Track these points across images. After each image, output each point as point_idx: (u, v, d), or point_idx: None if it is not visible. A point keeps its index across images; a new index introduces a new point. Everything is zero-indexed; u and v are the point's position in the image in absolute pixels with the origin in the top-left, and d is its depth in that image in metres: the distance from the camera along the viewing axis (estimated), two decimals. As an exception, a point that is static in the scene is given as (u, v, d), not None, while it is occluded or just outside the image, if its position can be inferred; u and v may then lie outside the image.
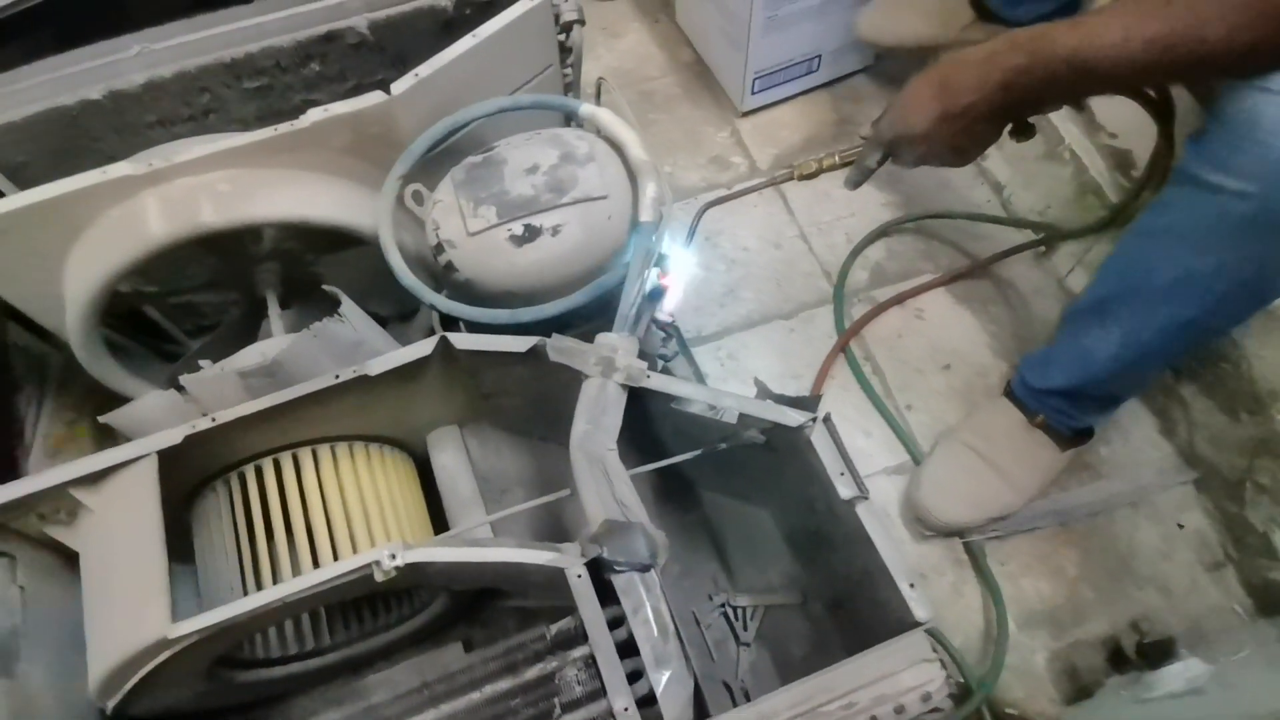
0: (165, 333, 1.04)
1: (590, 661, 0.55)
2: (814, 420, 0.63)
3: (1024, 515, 0.97)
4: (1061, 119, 1.13)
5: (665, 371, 0.92)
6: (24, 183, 0.80)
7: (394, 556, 0.58)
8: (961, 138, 0.73)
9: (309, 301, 0.96)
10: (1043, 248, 1.17)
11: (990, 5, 1.12)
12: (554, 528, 0.82)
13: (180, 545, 0.76)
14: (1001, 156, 1.24)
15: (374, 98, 0.76)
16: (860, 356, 1.12)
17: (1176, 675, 0.78)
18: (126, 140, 0.84)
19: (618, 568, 0.57)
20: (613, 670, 0.54)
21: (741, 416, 0.66)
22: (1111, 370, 0.86)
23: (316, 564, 0.68)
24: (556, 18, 0.87)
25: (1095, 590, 0.96)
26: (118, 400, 0.86)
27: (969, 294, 1.16)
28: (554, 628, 0.57)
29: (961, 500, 0.95)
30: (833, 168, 0.83)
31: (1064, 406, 0.93)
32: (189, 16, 0.83)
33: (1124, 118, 1.06)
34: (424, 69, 0.78)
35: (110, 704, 0.64)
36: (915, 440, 1.05)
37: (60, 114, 0.79)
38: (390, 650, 0.84)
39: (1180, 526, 1.00)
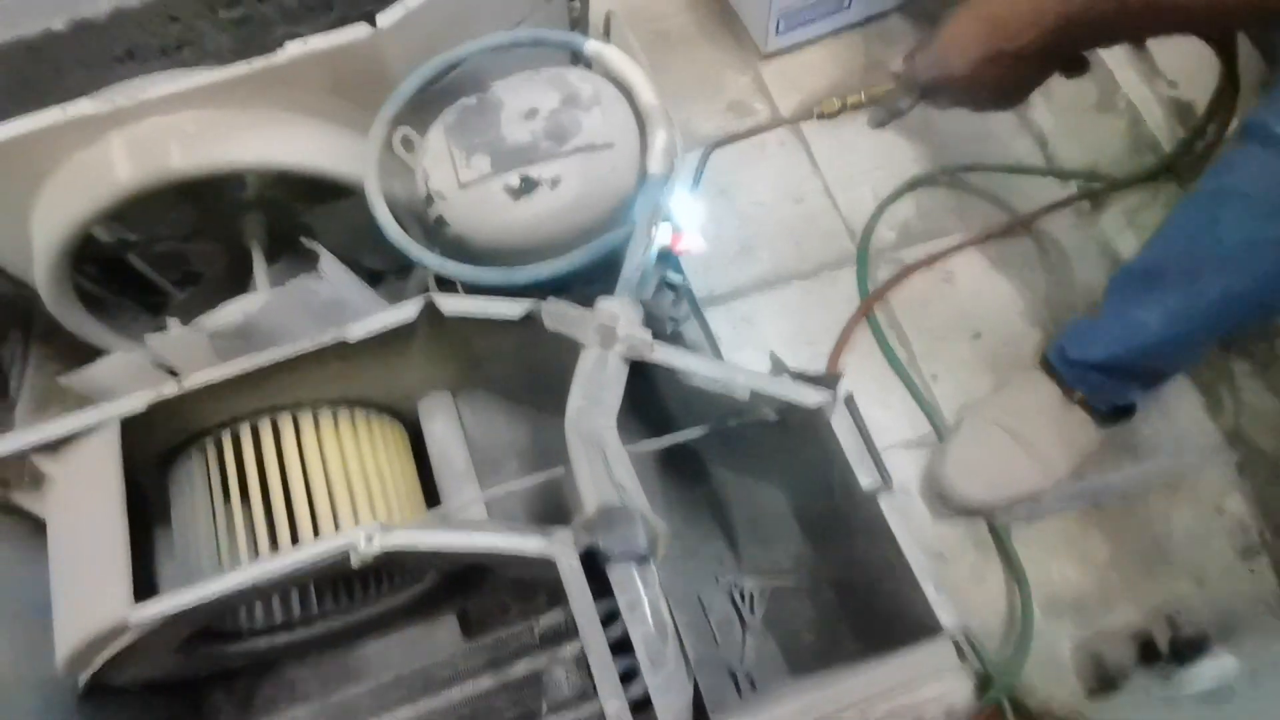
0: (152, 284, 0.99)
1: (581, 660, 0.51)
2: (834, 400, 0.57)
3: (1054, 496, 0.91)
4: (1119, 63, 1.03)
5: (675, 335, 0.86)
6: (-15, 122, 0.74)
7: (371, 539, 0.53)
8: (1009, 80, 0.65)
9: (299, 255, 0.91)
10: (1088, 205, 1.08)
11: None
12: (552, 503, 0.77)
13: (165, 508, 0.73)
14: (1047, 105, 1.14)
15: (358, 30, 0.69)
16: (884, 322, 1.05)
17: (1207, 672, 0.73)
18: (93, 74, 0.77)
19: (613, 558, 0.52)
20: (605, 670, 0.49)
21: (754, 394, 0.60)
22: (1161, 343, 0.79)
23: (296, 537, 0.64)
24: (562, -56, 0.79)
25: (1125, 577, 0.91)
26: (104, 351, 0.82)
27: (1004, 256, 1.08)
28: (542, 621, 0.53)
29: (988, 479, 0.89)
30: (858, 106, 0.75)
31: (1105, 381, 0.86)
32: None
33: (1186, 64, 0.97)
34: (414, -1, 0.70)
35: (81, 679, 0.61)
36: (940, 413, 0.99)
37: (21, 46, 0.73)
38: (383, 621, 0.80)
39: (1220, 511, 0.94)
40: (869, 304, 1.04)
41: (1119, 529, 0.93)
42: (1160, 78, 0.99)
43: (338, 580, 0.78)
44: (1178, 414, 0.98)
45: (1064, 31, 0.60)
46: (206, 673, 0.76)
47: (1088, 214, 1.09)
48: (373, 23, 0.70)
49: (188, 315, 0.70)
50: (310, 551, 0.53)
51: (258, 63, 0.68)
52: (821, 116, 0.76)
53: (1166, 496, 0.94)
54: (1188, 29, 0.70)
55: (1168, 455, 0.95)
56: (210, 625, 0.70)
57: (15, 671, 0.60)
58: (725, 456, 0.80)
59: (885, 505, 0.55)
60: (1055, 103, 1.13)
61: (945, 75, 0.66)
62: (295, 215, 0.88)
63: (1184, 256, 0.75)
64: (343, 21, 0.76)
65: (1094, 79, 1.06)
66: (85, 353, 0.87)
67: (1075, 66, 0.69)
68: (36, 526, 0.66)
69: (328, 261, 0.67)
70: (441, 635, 0.81)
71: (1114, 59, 1.03)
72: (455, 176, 0.68)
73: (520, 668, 0.51)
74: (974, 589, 0.90)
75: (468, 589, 0.83)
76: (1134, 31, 0.68)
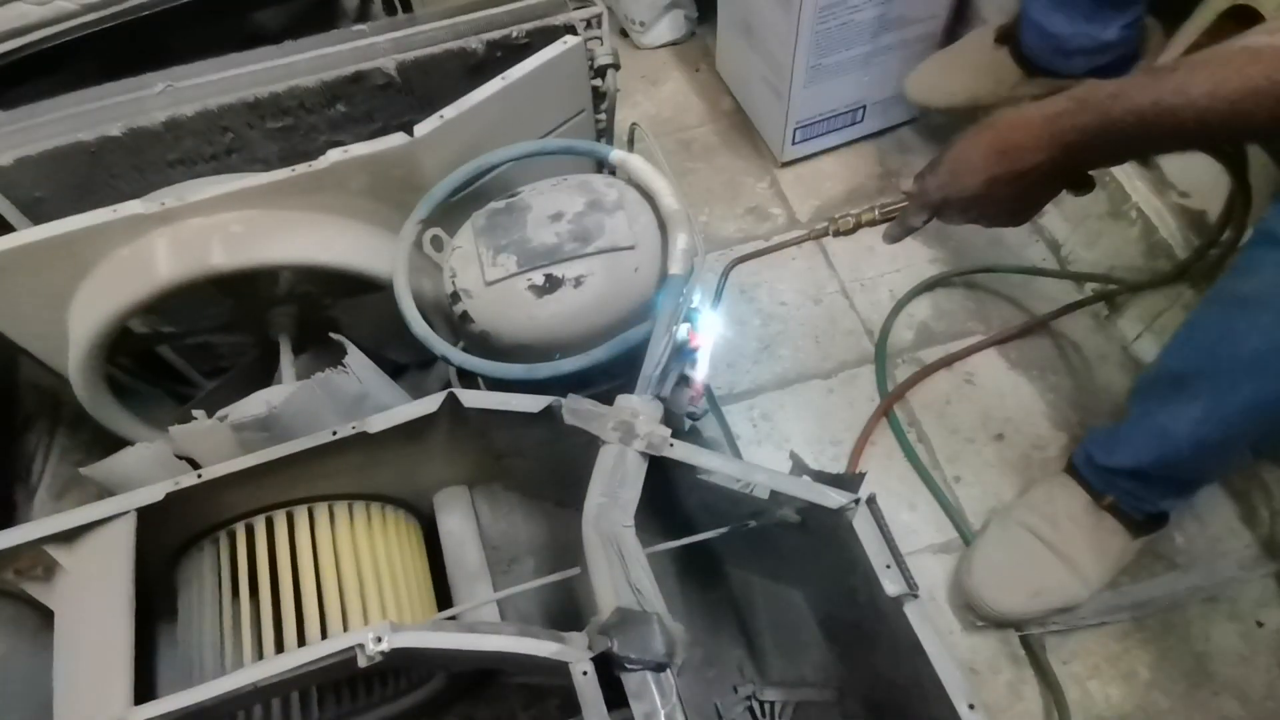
0: (182, 374, 1.02)
1: (593, 775, 0.48)
2: (856, 502, 0.56)
3: (1090, 608, 0.88)
4: (1127, 175, 1.06)
5: (693, 432, 0.85)
6: (40, 218, 0.78)
7: (379, 640, 0.51)
8: (1017, 199, 0.67)
9: (324, 347, 0.93)
10: (1106, 311, 1.08)
11: (1038, 61, 1.07)
12: (567, 604, 0.75)
13: (172, 601, 0.72)
14: (1060, 214, 1.17)
15: (396, 139, 0.73)
16: (905, 422, 1.04)
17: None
18: (147, 178, 0.82)
19: (629, 665, 0.50)
20: (618, 788, 0.47)
21: (774, 494, 0.59)
22: (1191, 450, 0.77)
23: (303, 638, 0.63)
24: (591, 61, 0.84)
25: (1169, 697, 0.86)
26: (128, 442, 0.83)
27: (1025, 358, 1.08)
28: (554, 732, 0.50)
29: (1019, 588, 0.86)
30: (872, 223, 0.77)
31: (1135, 488, 0.84)
32: (221, 55, 0.82)
33: (1196, 175, 0.99)
34: (449, 111, 0.75)
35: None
36: (965, 516, 0.97)
37: (79, 150, 0.78)
38: (386, 728, 0.77)
39: (1260, 625, 0.90)
40: (888, 403, 1.04)
41: (1159, 645, 0.88)
42: (1171, 188, 1.02)
43: (342, 682, 0.76)
44: (1212, 523, 0.95)
45: (1071, 154, 0.62)
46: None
47: (1106, 318, 1.09)
48: (410, 132, 0.74)
49: (215, 406, 0.72)
50: (316, 652, 0.52)
51: (301, 168, 0.72)
52: (838, 234, 0.77)
53: (1205, 610, 0.90)
54: (1199, 146, 0.72)
55: (1203, 566, 0.92)
56: (209, 728, 0.67)
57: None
58: (746, 559, 0.78)
59: (912, 613, 0.53)
60: (1067, 211, 1.16)
61: (955, 195, 0.68)
62: (324, 308, 0.90)
63: (1207, 363, 0.74)
64: (383, 131, 0.81)
65: (1104, 190, 1.08)
66: (109, 444, 0.88)
67: (1081, 184, 0.70)
68: (46, 617, 0.65)
69: (353, 356, 0.68)
70: (447, 745, 0.77)
71: (1123, 171, 1.06)
72: (482, 274, 0.70)
73: (529, 783, 0.48)
74: (1010, 707, 0.85)
75: (475, 695, 0.80)
76: (1138, 154, 0.70)
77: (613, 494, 0.57)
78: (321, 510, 0.69)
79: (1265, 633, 0.89)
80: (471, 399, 0.63)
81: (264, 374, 0.92)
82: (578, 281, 0.69)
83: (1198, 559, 0.92)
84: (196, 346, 0.99)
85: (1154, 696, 0.86)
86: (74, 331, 0.75)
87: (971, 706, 0.49)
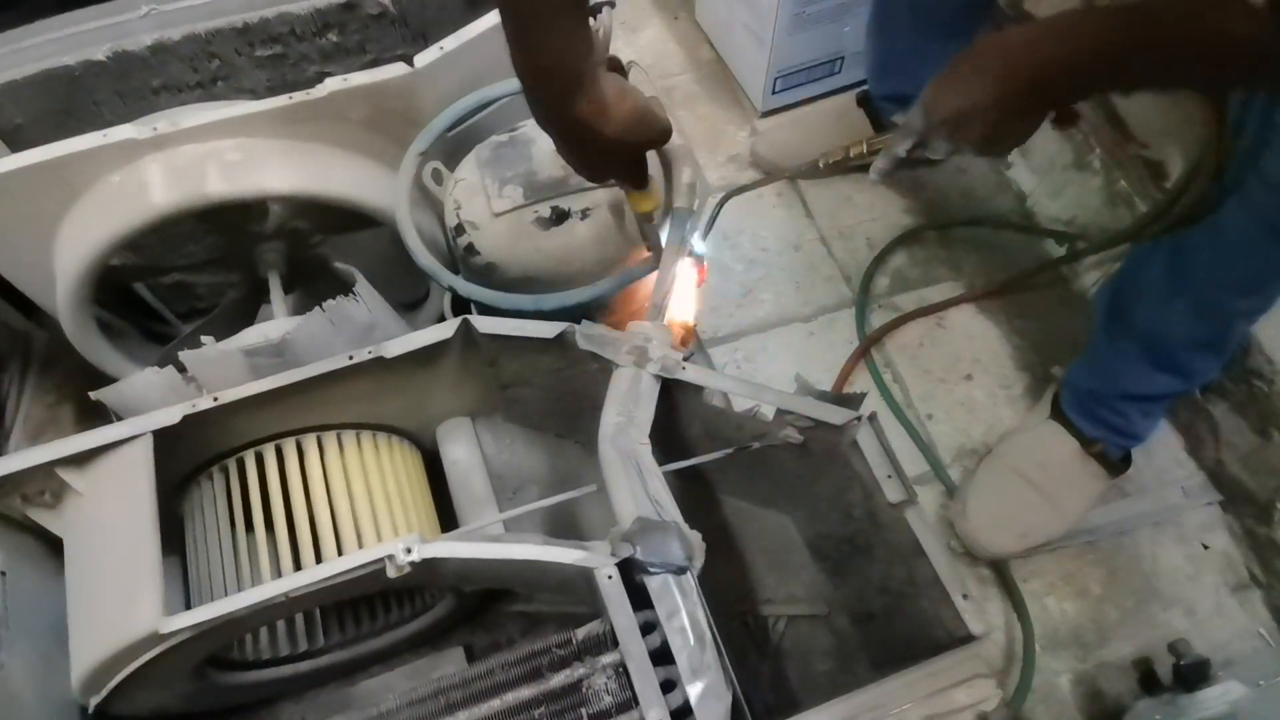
0: (155, 312, 1.00)
1: (621, 669, 0.51)
2: (859, 419, 0.60)
3: (1055, 535, 0.94)
4: (1092, 128, 1.10)
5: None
6: (19, 145, 0.76)
7: (410, 551, 0.53)
8: (995, 127, 0.66)
9: (313, 285, 0.92)
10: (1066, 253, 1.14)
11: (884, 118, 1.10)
12: (569, 529, 0.77)
13: (165, 536, 0.72)
14: (1026, 165, 1.21)
15: (396, 69, 0.73)
16: (880, 364, 1.08)
17: (1215, 699, 0.75)
18: (130, 105, 0.80)
19: (651, 569, 0.53)
20: (645, 680, 0.50)
21: (780, 412, 0.62)
22: (1186, 336, 0.82)
23: (319, 559, 0.64)
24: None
25: (1120, 611, 0.93)
26: (102, 381, 0.81)
27: (992, 304, 1.13)
28: (581, 632, 0.53)
29: (1011, 531, 0.92)
30: (860, 157, 0.79)
31: (1130, 413, 0.90)
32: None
33: (1155, 127, 1.04)
34: (449, 42, 0.74)
35: (93, 701, 0.59)
36: (936, 450, 1.02)
37: (62, 74, 0.75)
38: (387, 654, 0.79)
39: (1205, 547, 0.98)
40: (866, 345, 1.08)
41: (1112, 565, 0.95)
42: (1132, 140, 1.07)
43: (344, 608, 0.77)
44: (1159, 454, 1.02)
45: (1039, 87, 0.62)
46: (208, 707, 0.73)
47: (1068, 266, 1.15)
48: (409, 64, 0.73)
49: (204, 338, 0.71)
50: (349, 562, 0.53)
51: (299, 96, 0.71)
52: (828, 166, 0.79)
53: (1153, 534, 0.97)
54: (1175, 89, 0.74)
55: (1153, 494, 0.99)
56: (221, 653, 0.68)
57: (33, 693, 0.58)
58: (740, 486, 0.81)
59: (912, 518, 0.57)
60: (1034, 163, 1.21)
61: (934, 120, 0.69)
62: (313, 246, 0.90)
63: (1190, 281, 0.79)
64: (375, 63, 0.80)
65: (1069, 142, 1.13)
66: (80, 385, 0.86)
67: (1065, 118, 0.73)
68: (49, 545, 0.65)
69: (363, 286, 0.69)
70: (447, 667, 0.80)
71: (1086, 124, 1.11)
72: (488, 206, 0.71)
73: (560, 678, 0.51)
74: (974, 624, 0.91)
75: (474, 621, 0.83)
76: (1119, 85, 0.72)
77: (629, 414, 0.60)
78: (330, 439, 0.70)
79: (1211, 555, 0.97)
80: (487, 325, 0.65)
81: (249, 313, 0.91)
82: (584, 214, 0.70)
83: (1146, 487, 0.99)
84: (174, 286, 0.98)
85: (1105, 610, 0.93)
86: (62, 261, 0.73)
87: (965, 596, 0.53)
